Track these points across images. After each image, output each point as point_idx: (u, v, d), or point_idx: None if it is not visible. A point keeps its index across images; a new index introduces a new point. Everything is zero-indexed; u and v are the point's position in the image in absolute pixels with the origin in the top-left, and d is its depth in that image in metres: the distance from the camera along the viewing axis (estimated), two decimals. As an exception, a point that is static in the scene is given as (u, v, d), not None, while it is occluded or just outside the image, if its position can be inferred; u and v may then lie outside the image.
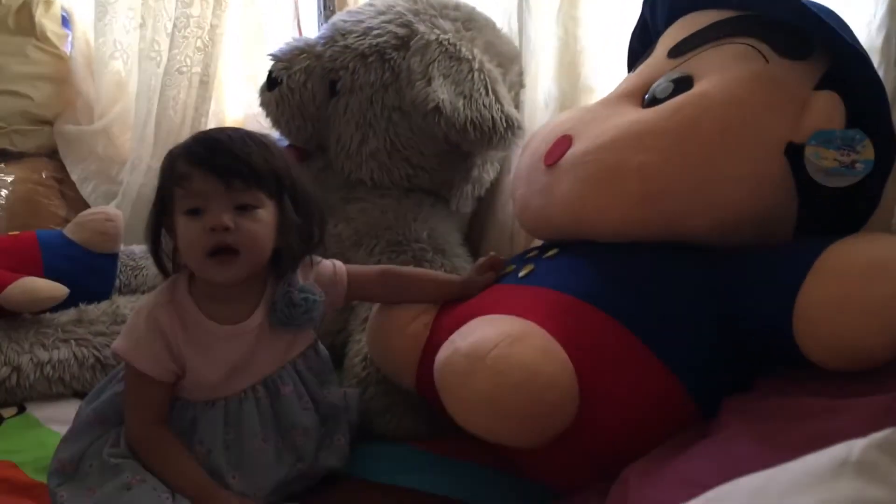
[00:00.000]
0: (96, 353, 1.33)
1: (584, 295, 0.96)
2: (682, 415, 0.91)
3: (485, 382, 0.83)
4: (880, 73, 1.13)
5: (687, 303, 0.94)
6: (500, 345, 0.84)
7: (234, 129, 0.97)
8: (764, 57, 1.02)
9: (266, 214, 0.93)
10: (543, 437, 0.86)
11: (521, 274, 1.06)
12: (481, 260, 1.15)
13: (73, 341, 1.33)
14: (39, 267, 1.43)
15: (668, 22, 1.20)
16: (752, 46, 1.04)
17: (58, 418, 1.22)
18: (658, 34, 1.22)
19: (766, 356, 0.95)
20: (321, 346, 1.08)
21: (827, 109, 0.97)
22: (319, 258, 1.05)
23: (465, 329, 0.91)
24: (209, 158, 0.91)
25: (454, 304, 1.08)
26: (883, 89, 1.00)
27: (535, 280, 1.04)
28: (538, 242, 1.24)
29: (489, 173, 1.54)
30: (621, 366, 0.90)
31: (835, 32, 0.98)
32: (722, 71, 1.03)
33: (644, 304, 0.94)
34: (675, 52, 1.12)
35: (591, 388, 0.87)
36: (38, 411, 1.27)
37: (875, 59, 1.14)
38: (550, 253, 1.09)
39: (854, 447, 0.47)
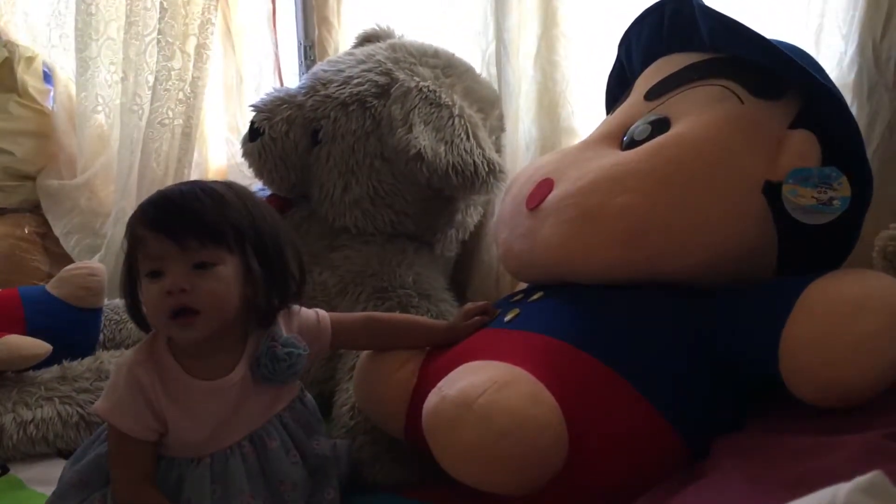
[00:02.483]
0: (80, 410, 1.30)
1: (570, 338, 0.96)
2: (672, 456, 0.91)
3: (473, 430, 0.82)
4: (853, 109, 1.15)
5: (672, 343, 0.95)
6: (488, 391, 0.84)
7: (189, 185, 0.96)
8: (738, 98, 1.04)
9: (227, 270, 0.92)
10: (534, 483, 0.85)
11: (506, 318, 1.06)
12: (469, 305, 1.14)
13: (56, 399, 1.31)
14: (22, 324, 1.41)
15: (644, 65, 1.22)
16: (727, 88, 1.05)
17: (42, 479, 1.19)
18: (634, 77, 1.24)
19: (754, 394, 0.95)
20: (308, 397, 1.07)
21: (802, 148, 0.98)
22: (299, 307, 1.04)
23: (452, 376, 0.90)
24: (161, 220, 0.90)
25: (441, 351, 1.07)
26: (856, 126, 1.02)
27: (521, 324, 1.04)
28: (523, 285, 1.25)
29: (472, 217, 1.55)
30: (610, 409, 0.90)
31: (806, 72, 1.00)
32: (698, 112, 1.05)
33: (630, 345, 0.95)
34: (652, 94, 1.14)
35: (581, 432, 0.87)
36: (22, 472, 1.24)
37: (847, 96, 1.17)
38: (536, 296, 1.09)
39: (839, 492, 0.47)
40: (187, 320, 0.91)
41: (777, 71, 1.03)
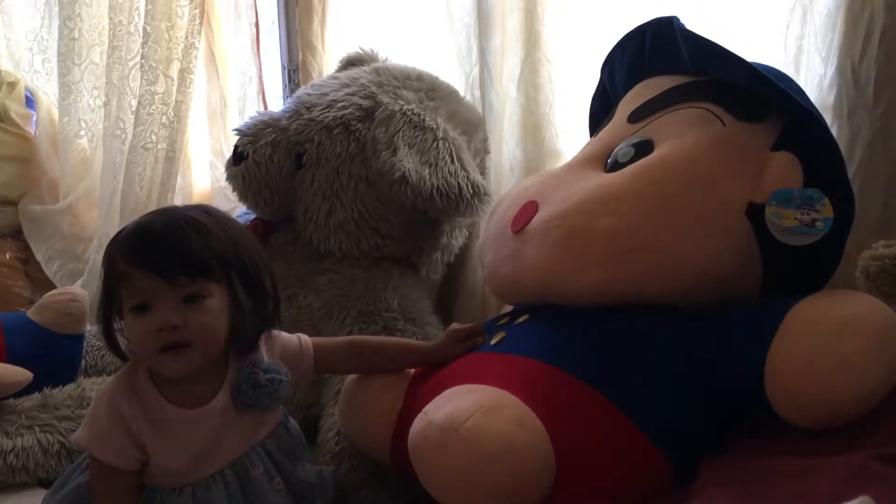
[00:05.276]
0: (61, 438, 1.28)
1: (556, 361, 0.96)
2: (658, 478, 0.91)
3: (460, 455, 0.82)
4: (833, 130, 1.16)
5: (658, 365, 0.94)
6: (475, 415, 0.83)
7: (170, 216, 0.93)
8: (720, 120, 1.05)
9: (216, 302, 0.90)
10: (521, 508, 0.84)
11: (492, 341, 1.06)
12: (455, 326, 1.13)
13: (37, 427, 1.29)
14: (2, 351, 1.39)
15: (627, 87, 1.23)
16: (709, 110, 1.06)
17: (22, 509, 1.18)
18: (617, 99, 1.24)
19: (740, 415, 0.95)
20: (292, 423, 1.06)
21: (784, 170, 0.99)
22: (280, 332, 1.03)
23: (438, 400, 0.90)
24: (147, 257, 0.88)
25: (427, 374, 1.07)
26: (837, 147, 1.02)
27: (507, 347, 1.03)
28: (509, 307, 1.24)
29: (458, 239, 1.55)
30: (596, 432, 0.90)
31: (787, 94, 1.01)
32: (681, 135, 1.05)
33: (616, 368, 0.94)
34: (635, 116, 1.15)
35: (567, 455, 0.86)
36: (2, 502, 1.23)
37: (828, 118, 1.18)
38: (521, 319, 1.09)
39: (829, 516, 0.47)
40: (178, 353, 0.89)
41: (758, 93, 1.04)
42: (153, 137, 1.82)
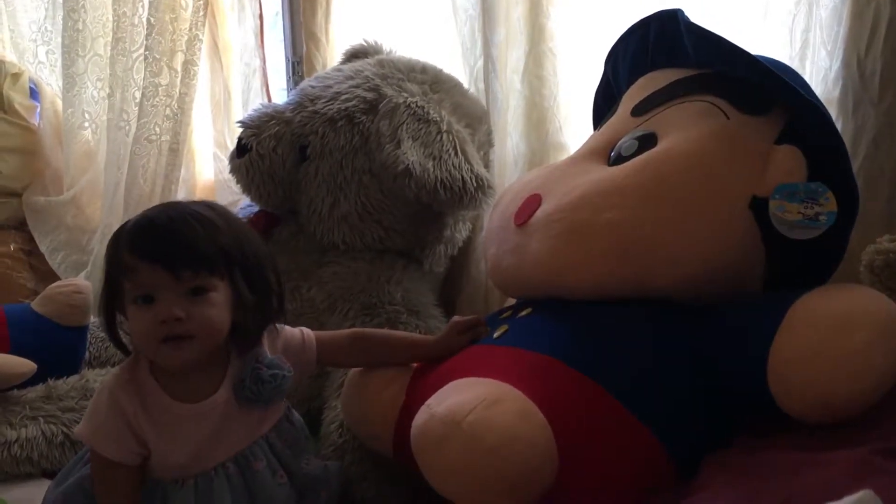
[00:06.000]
0: (65, 430, 1.29)
1: (559, 355, 0.96)
2: (661, 473, 0.91)
3: (462, 448, 0.82)
4: (838, 125, 1.16)
5: (660, 359, 0.94)
6: (477, 408, 0.83)
7: (175, 209, 0.93)
8: (724, 113, 1.04)
9: (219, 297, 0.91)
10: (523, 501, 0.84)
11: (495, 334, 1.06)
12: (457, 318, 1.13)
13: (41, 418, 1.30)
14: (6, 343, 1.39)
15: (630, 80, 1.22)
16: (713, 103, 1.06)
17: (26, 500, 1.17)
18: (621, 92, 1.24)
19: (743, 410, 0.95)
20: (295, 415, 1.06)
21: (788, 163, 0.98)
22: (283, 326, 1.03)
23: (440, 393, 0.90)
24: (153, 250, 0.88)
25: (429, 368, 1.07)
26: (841, 142, 1.02)
27: (510, 340, 1.03)
28: (512, 301, 1.24)
29: (461, 232, 1.55)
30: (599, 426, 0.90)
31: (790, 87, 1.00)
32: (684, 128, 1.05)
33: (619, 362, 0.94)
34: (638, 110, 1.14)
35: (570, 450, 0.86)
36: (6, 493, 1.23)
37: (833, 112, 1.17)
38: (524, 312, 1.09)
39: (829, 510, 0.47)
40: (179, 345, 0.89)
41: (762, 87, 1.04)
42: (157, 129, 1.82)
